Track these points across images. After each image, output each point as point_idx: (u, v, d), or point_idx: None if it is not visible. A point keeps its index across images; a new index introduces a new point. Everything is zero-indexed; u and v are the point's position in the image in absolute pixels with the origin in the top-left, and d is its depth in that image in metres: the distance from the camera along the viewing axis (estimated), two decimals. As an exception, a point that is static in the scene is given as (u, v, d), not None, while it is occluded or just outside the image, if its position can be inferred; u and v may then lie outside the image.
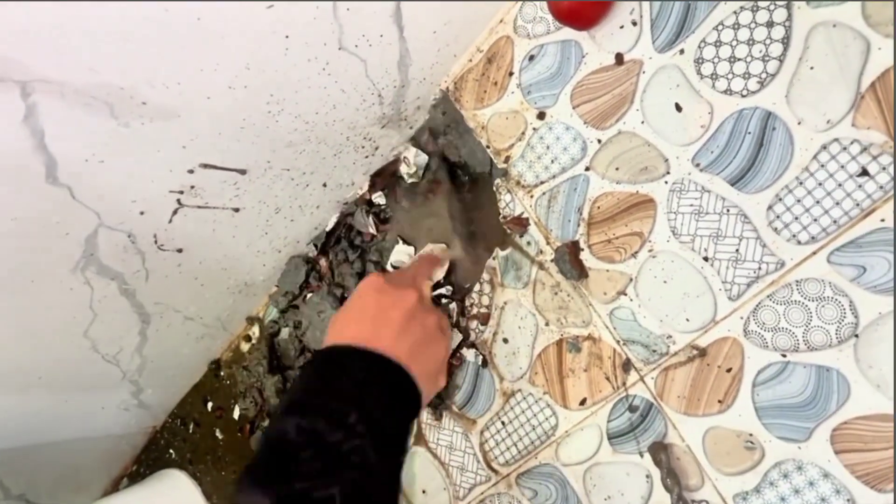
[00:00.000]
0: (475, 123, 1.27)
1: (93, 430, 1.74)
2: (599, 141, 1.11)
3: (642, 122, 1.07)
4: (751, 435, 0.99)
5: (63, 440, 1.68)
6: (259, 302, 1.66)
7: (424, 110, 1.35)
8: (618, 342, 1.11)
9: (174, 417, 1.85)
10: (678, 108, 1.04)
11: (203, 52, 0.96)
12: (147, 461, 1.94)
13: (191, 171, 1.15)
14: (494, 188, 1.25)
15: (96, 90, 0.93)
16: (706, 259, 1.02)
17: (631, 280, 1.09)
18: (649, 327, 1.07)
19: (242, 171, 1.21)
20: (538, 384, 1.20)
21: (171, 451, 1.86)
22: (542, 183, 1.18)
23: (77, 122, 0.96)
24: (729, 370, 1.00)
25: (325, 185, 1.37)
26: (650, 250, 1.07)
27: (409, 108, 1.31)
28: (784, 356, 0.96)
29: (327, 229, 1.49)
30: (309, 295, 1.53)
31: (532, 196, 1.19)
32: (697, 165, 1.02)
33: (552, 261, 1.17)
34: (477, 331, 1.29)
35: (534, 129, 1.19)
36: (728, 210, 1.00)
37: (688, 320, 1.04)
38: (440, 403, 1.32)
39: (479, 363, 1.28)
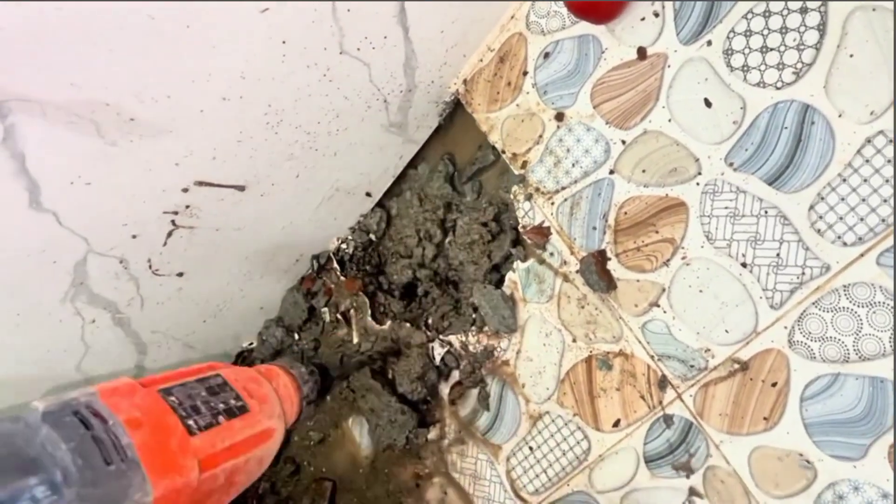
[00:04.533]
0: (487, 127, 1.25)
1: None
2: (623, 142, 1.09)
3: (669, 120, 1.05)
4: (801, 455, 0.96)
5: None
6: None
7: (434, 115, 1.33)
8: (652, 358, 1.08)
9: None
10: (708, 103, 1.01)
11: (194, 61, 0.94)
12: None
13: (185, 190, 1.13)
14: (512, 195, 1.23)
15: (79, 107, 0.91)
16: (744, 265, 0.99)
17: (664, 290, 1.06)
18: (685, 341, 1.05)
19: (241, 188, 1.19)
20: (567, 405, 1.18)
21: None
22: (563, 189, 1.16)
23: (60, 143, 0.94)
24: (774, 384, 0.98)
25: (336, 191, 1.35)
26: (683, 257, 1.04)
27: (418, 112, 1.29)
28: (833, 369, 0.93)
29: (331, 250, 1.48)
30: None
31: (553, 203, 1.17)
32: (731, 164, 1.00)
33: (577, 272, 1.14)
34: (498, 349, 1.26)
35: (552, 130, 1.16)
36: (766, 212, 0.97)
37: (727, 332, 1.01)
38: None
39: (502, 384, 1.25)
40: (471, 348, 1.29)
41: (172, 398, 0.61)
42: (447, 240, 1.36)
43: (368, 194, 1.43)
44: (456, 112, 1.34)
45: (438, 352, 1.33)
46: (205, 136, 1.06)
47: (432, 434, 1.34)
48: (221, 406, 0.65)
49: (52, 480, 0.45)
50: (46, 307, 1.18)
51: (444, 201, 1.37)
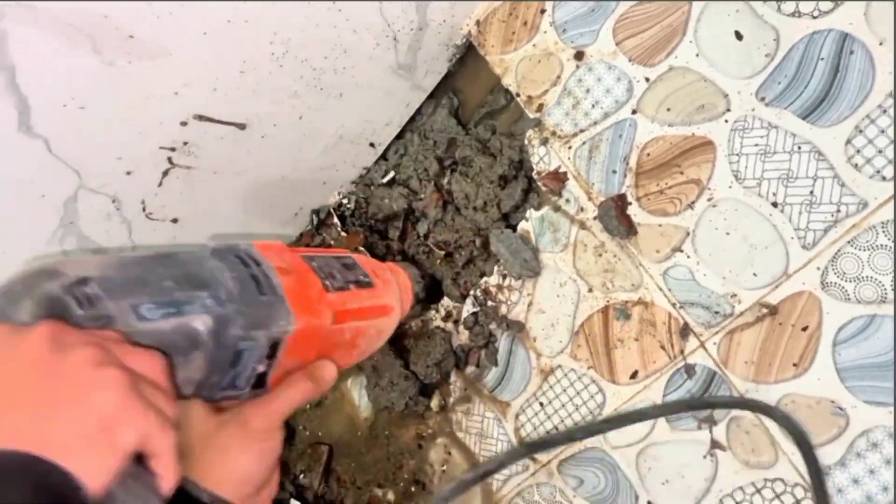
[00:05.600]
0: (501, 69, 1.20)
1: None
2: (647, 79, 1.05)
3: (697, 55, 1.01)
4: (833, 402, 0.92)
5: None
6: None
7: (443, 59, 1.28)
8: (673, 305, 1.04)
9: None
10: (738, 36, 0.97)
11: (200, -25, 0.89)
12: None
13: (184, 124, 1.07)
14: (527, 140, 1.18)
15: (76, 18, 0.85)
16: (775, 205, 0.95)
17: (688, 234, 1.02)
18: (710, 286, 1.01)
19: (242, 126, 1.14)
20: (581, 358, 1.13)
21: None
22: (581, 131, 1.12)
23: (54, 57, 0.88)
24: (805, 329, 0.94)
25: (339, 138, 1.29)
26: (710, 199, 1.00)
27: (427, 54, 1.24)
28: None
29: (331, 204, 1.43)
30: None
31: (570, 147, 1.13)
32: (762, 99, 0.96)
33: (595, 218, 1.10)
34: (508, 302, 1.21)
35: (571, 70, 1.12)
36: (799, 147, 0.93)
37: (755, 275, 0.97)
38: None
39: (511, 339, 1.21)
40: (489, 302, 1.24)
41: (313, 263, 0.71)
42: (448, 178, 1.30)
43: (372, 145, 1.37)
44: (466, 59, 1.30)
45: (467, 310, 1.27)
46: (206, 62, 1.01)
47: (434, 402, 1.29)
48: (352, 278, 0.74)
49: (218, 296, 0.55)
50: (34, 247, 1.12)
51: (447, 136, 1.32)
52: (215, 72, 1.03)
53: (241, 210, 1.32)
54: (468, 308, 1.26)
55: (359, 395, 1.41)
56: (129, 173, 1.10)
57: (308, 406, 1.48)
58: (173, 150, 1.11)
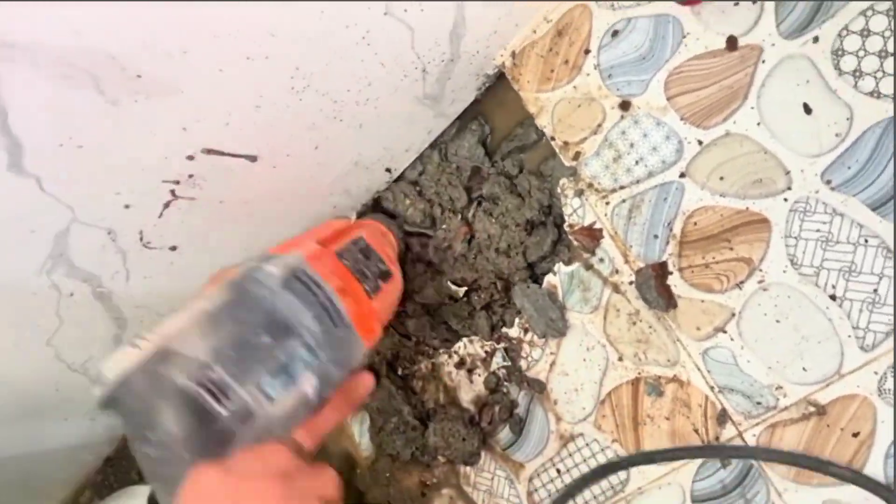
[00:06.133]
0: (536, 108, 1.11)
1: (52, 442, 1.58)
2: (700, 142, 0.97)
3: (758, 124, 0.92)
4: (879, 514, 0.86)
5: (13, 456, 1.52)
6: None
7: (472, 88, 1.18)
8: (711, 388, 0.98)
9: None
10: (807, 109, 0.89)
11: (219, 13, 0.79)
12: (115, 472, 1.79)
13: (191, 158, 0.98)
14: (560, 189, 1.10)
15: (79, 58, 0.76)
16: (833, 298, 0.89)
17: (733, 315, 0.95)
18: (754, 374, 0.94)
19: (253, 158, 1.05)
20: (605, 429, 1.07)
21: (142, 464, 1.71)
22: (621, 188, 1.04)
23: (51, 99, 0.79)
24: (856, 435, 0.88)
25: (354, 165, 1.20)
26: (760, 281, 0.93)
27: (456, 84, 1.14)
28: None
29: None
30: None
31: (608, 203, 1.05)
32: (828, 183, 0.88)
33: (631, 283, 1.03)
34: (529, 358, 1.15)
35: (614, 121, 1.03)
36: (866, 240, 0.86)
37: (804, 370, 0.91)
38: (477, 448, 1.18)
39: (530, 398, 1.14)
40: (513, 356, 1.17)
41: (346, 261, 0.70)
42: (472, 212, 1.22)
43: (388, 170, 1.28)
44: (494, 86, 1.20)
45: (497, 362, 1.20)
46: (220, 98, 0.92)
47: (443, 458, 1.22)
48: (376, 270, 0.74)
49: (308, 343, 0.54)
50: (19, 278, 1.04)
51: (472, 164, 1.24)
52: (228, 107, 0.94)
53: (245, 236, 1.24)
54: (496, 361, 1.19)
55: (360, 432, 1.34)
56: (127, 207, 1.01)
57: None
58: (177, 182, 1.02)
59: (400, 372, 1.29)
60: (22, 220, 0.93)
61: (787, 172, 0.91)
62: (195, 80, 0.86)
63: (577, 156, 1.07)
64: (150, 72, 0.82)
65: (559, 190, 1.10)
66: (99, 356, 1.36)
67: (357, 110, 1.08)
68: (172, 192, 1.04)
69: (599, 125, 1.05)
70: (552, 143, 1.10)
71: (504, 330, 1.17)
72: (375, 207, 1.34)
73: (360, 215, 1.34)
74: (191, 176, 1.02)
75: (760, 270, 0.93)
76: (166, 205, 1.06)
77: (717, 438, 0.98)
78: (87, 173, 0.91)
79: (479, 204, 1.21)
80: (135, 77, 0.81)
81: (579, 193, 1.07)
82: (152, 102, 0.86)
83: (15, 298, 1.07)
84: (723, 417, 0.97)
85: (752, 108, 0.93)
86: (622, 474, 1.05)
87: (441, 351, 1.24)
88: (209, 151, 0.99)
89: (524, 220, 1.14)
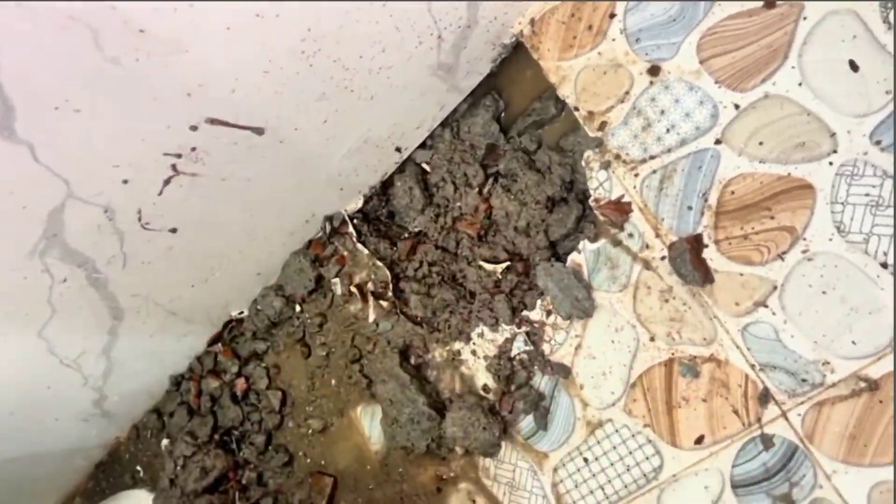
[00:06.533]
0: (558, 78, 1.06)
1: (42, 445, 1.50)
2: (737, 106, 0.92)
3: (800, 84, 0.87)
4: (938, 495, 0.81)
5: (4, 459, 1.44)
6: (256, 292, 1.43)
7: (487, 59, 1.13)
8: (752, 367, 0.92)
9: (144, 428, 1.63)
10: (854, 66, 0.84)
11: (230, -39, 0.74)
12: (107, 478, 1.71)
13: (194, 129, 0.93)
14: (584, 162, 1.04)
15: (78, 9, 0.70)
16: (884, 266, 0.83)
17: (775, 288, 0.90)
18: (798, 350, 0.89)
19: (260, 131, 0.99)
20: (636, 414, 1.01)
21: (137, 468, 1.64)
22: (651, 158, 0.98)
23: (48, 53, 0.73)
24: (912, 411, 0.83)
25: (364, 142, 1.14)
26: (804, 251, 0.88)
27: (471, 53, 1.09)
28: None
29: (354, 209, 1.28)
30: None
31: (637, 175, 0.99)
32: (878, 143, 0.83)
33: (664, 259, 0.97)
34: (552, 342, 1.09)
35: (643, 87, 0.98)
36: (920, 203, 0.81)
37: (854, 343, 0.86)
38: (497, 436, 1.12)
39: (554, 384, 1.08)
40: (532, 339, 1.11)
41: None
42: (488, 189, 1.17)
43: (398, 149, 1.22)
44: (510, 60, 1.15)
45: (517, 347, 1.14)
46: (227, 61, 0.86)
47: (461, 449, 1.16)
48: None
49: None
50: (9, 261, 0.97)
51: (486, 141, 1.18)
52: (236, 71, 0.88)
53: (248, 217, 1.17)
54: (518, 346, 1.13)
55: (370, 425, 1.28)
56: (126, 182, 0.95)
57: (310, 430, 1.35)
58: (179, 156, 0.96)
59: (413, 361, 1.23)
60: (13, 194, 0.86)
61: (832, 134, 0.86)
62: (201, 38, 0.80)
63: (602, 126, 1.02)
64: (153, 26, 0.76)
65: (583, 163, 1.05)
66: (93, 351, 1.29)
67: (369, 80, 1.02)
68: (174, 166, 0.97)
69: (627, 92, 1.00)
70: (576, 113, 1.04)
71: (525, 313, 1.11)
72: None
73: (368, 200, 1.28)
74: (193, 149, 0.96)
75: (804, 239, 0.88)
76: (167, 181, 0.99)
77: (758, 420, 0.92)
78: (83, 141, 0.85)
79: (496, 180, 1.16)
80: (137, 32, 0.75)
81: (606, 166, 1.02)
82: (155, 63, 0.80)
83: (4, 283, 1.00)
84: (765, 397, 0.91)
85: (793, 67, 0.88)
86: (655, 460, 0.99)
87: (456, 337, 1.18)
88: (214, 121, 0.94)
89: (545, 197, 1.08)
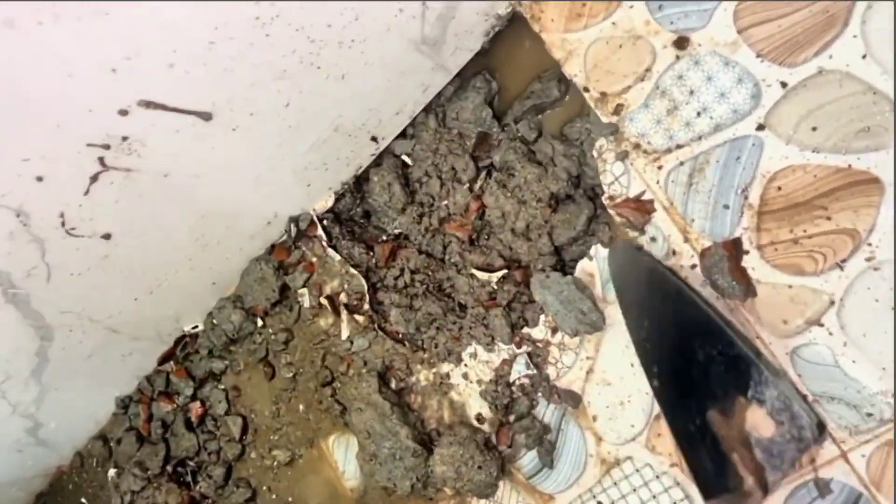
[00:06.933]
0: (563, 53, 0.90)
1: (-31, 479, 1.33)
2: (784, 84, 0.78)
3: (864, 57, 0.75)
4: None
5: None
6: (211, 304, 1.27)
7: (479, 33, 0.97)
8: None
9: (89, 456, 1.47)
10: (932, 33, 0.70)
11: None
12: (49, 511, 1.55)
13: (124, 113, 0.77)
14: (596, 152, 0.89)
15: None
16: (971, 277, 0.69)
17: (832, 303, 0.78)
18: (861, 378, 0.77)
19: (206, 116, 0.84)
20: (661, 451, 0.88)
21: (82, 500, 1.47)
22: (678, 147, 0.85)
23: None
24: None
25: (334, 131, 0.98)
26: (869, 258, 0.75)
27: (460, 26, 0.93)
28: None
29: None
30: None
31: (661, 167, 0.85)
32: (963, 127, 0.69)
33: (694, 267, 0.83)
34: (559, 364, 0.93)
35: (668, 63, 0.83)
36: None
37: (933, 371, 0.72)
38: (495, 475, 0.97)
39: (561, 413, 0.93)
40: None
41: None
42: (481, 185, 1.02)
43: (374, 139, 1.07)
44: (505, 32, 0.99)
45: (517, 370, 0.98)
46: (160, 27, 0.71)
47: (451, 490, 1.00)
48: None
49: None
50: None
51: (477, 129, 1.03)
52: (173, 41, 0.74)
53: (198, 220, 1.02)
54: (517, 369, 0.97)
55: (344, 458, 1.12)
56: (40, 179, 0.80)
57: (275, 462, 1.19)
58: (107, 147, 0.81)
59: (394, 385, 1.07)
60: None
61: None
62: (126, -5, 0.64)
63: (618, 109, 0.87)
64: (62, -20, 0.59)
65: (595, 154, 0.90)
66: (20, 376, 1.11)
67: (339, 55, 0.87)
68: (101, 160, 0.82)
69: (648, 69, 0.85)
70: (585, 95, 0.90)
71: (526, 330, 0.96)
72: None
73: (339, 198, 1.12)
74: (125, 139, 0.81)
75: (869, 245, 0.75)
76: (94, 178, 0.84)
77: (812, 461, 0.78)
78: (-20, 129, 0.69)
79: (490, 175, 1.00)
80: (42, -12, 0.59)
81: (622, 157, 0.87)
82: (64, 27, 0.64)
83: None
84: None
85: (855, 36, 0.74)
86: (678, 494, 0.85)
87: (445, 357, 1.03)
88: (148, 104, 0.78)
89: (547, 194, 0.94)
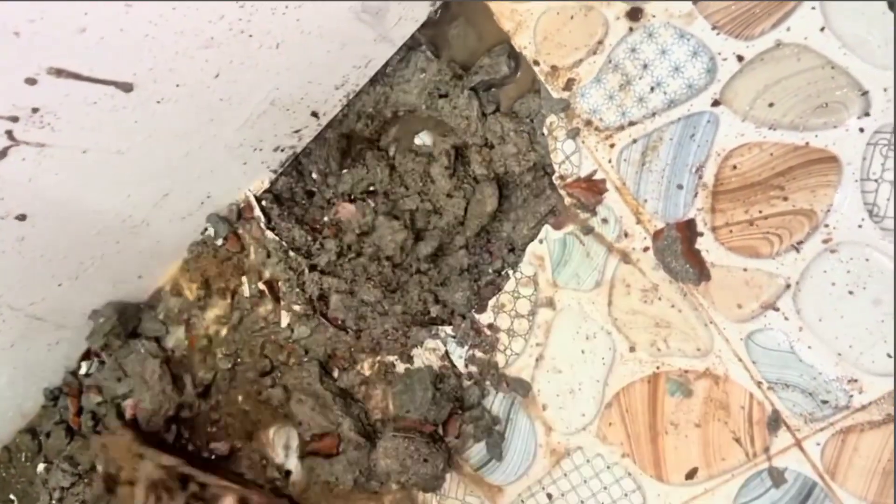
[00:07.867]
0: (512, 24, 0.86)
1: None
2: (740, 58, 0.76)
3: (822, 29, 0.72)
4: None
5: None
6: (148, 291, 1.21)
7: (425, 5, 0.93)
8: (759, 385, 0.78)
9: (17, 450, 1.42)
10: (892, 5, 0.68)
11: None
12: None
13: (32, 82, 0.70)
14: (546, 130, 0.85)
15: None
16: (929, 259, 0.68)
17: (788, 287, 0.76)
18: (817, 364, 0.76)
19: (126, 87, 0.78)
20: (613, 441, 0.86)
21: (11, 496, 1.42)
22: (631, 124, 0.82)
23: None
24: (962, 441, 0.68)
25: (271, 104, 0.93)
26: (826, 240, 0.74)
27: (402, -7, 0.89)
28: None
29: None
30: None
31: (613, 145, 0.83)
32: (922, 103, 0.67)
33: (647, 250, 0.80)
34: (508, 352, 0.90)
35: (621, 35, 0.80)
36: (977, 180, 0.66)
37: (889, 356, 0.71)
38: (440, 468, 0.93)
39: (510, 402, 0.90)
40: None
41: None
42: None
43: (315, 114, 1.01)
44: (453, 3, 0.95)
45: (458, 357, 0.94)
46: None
47: (396, 484, 0.97)
48: None
49: None
50: None
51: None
52: (84, 2, 0.66)
53: (124, 199, 0.95)
54: (456, 354, 0.94)
55: (285, 452, 1.08)
56: None
57: (213, 457, 1.14)
58: (15, 119, 0.75)
59: (336, 375, 1.03)
60: None
61: (864, 93, 0.71)
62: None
63: (569, 84, 0.84)
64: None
65: (544, 132, 0.86)
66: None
67: (272, 22, 0.82)
68: (9, 133, 0.77)
69: (600, 42, 0.83)
70: (535, 69, 0.86)
71: (474, 315, 0.93)
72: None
73: (278, 177, 1.07)
74: (35, 110, 0.75)
75: (826, 226, 0.74)
76: (2, 153, 0.77)
77: (766, 450, 0.76)
78: None
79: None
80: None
81: (573, 134, 0.84)
82: (-44, -17, 0.58)
83: None
84: (775, 422, 0.77)
85: (814, 7, 0.73)
86: (636, 497, 0.83)
87: (390, 344, 0.99)
88: (59, 73, 0.73)
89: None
